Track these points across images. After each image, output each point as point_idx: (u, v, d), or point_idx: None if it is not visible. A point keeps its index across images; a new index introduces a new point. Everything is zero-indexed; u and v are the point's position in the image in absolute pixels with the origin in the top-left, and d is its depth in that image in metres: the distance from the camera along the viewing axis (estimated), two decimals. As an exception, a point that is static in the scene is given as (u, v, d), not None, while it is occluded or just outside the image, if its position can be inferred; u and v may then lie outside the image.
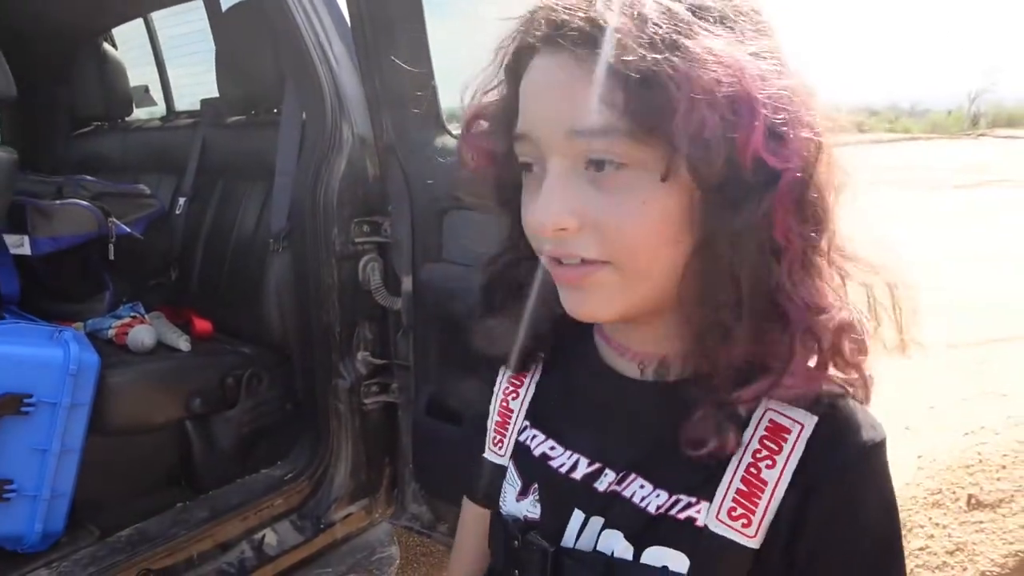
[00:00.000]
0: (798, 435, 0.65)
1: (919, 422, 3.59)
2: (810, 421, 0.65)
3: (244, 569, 1.81)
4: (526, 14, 0.65)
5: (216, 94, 2.48)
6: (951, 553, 2.25)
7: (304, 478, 1.97)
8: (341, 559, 1.97)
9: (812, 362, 0.63)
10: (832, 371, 0.66)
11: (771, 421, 0.66)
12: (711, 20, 0.60)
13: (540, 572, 0.72)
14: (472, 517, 0.93)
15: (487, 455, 0.85)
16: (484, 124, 0.73)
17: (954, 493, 2.46)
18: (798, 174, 0.60)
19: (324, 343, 1.96)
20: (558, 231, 0.63)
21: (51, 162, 2.84)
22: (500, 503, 0.80)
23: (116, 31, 3.19)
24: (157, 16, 3.09)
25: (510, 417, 0.84)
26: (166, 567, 1.71)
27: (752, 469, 0.65)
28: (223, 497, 1.88)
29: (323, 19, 1.91)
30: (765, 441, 0.65)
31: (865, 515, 0.66)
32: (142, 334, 2.00)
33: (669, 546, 0.67)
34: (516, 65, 0.67)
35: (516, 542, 0.74)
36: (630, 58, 0.57)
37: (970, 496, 2.37)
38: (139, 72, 3.16)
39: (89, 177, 2.35)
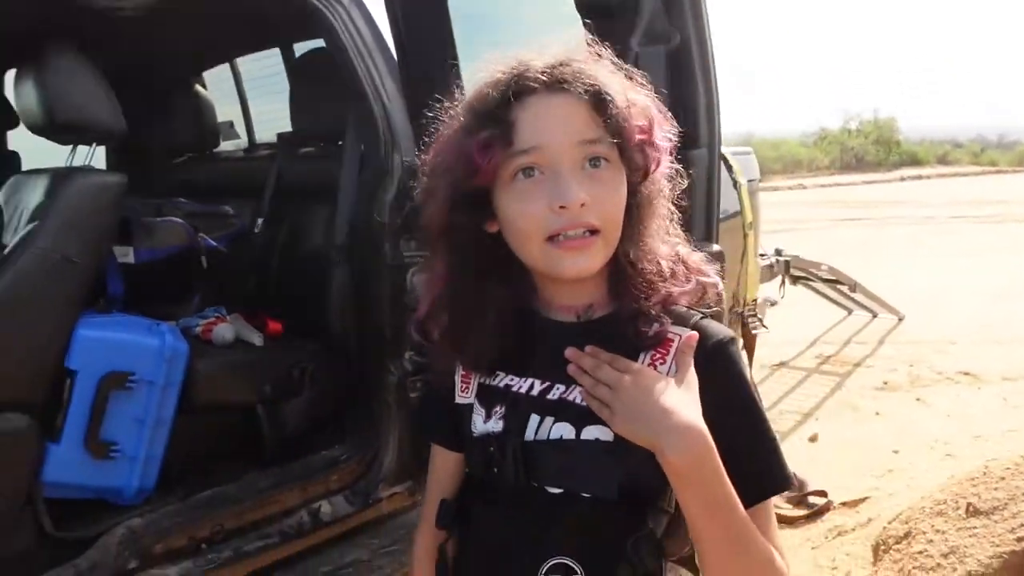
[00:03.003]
0: (677, 341, 0.98)
1: (962, 450, 3.66)
2: (685, 332, 0.98)
3: (302, 532, 2.06)
4: (518, 67, 0.95)
5: (290, 128, 2.81)
6: (945, 556, 2.40)
7: (356, 459, 2.22)
8: (387, 532, 2.19)
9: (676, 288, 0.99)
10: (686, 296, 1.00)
11: None
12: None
13: (514, 462, 0.99)
14: (441, 462, 1.15)
15: (457, 400, 1.09)
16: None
17: (956, 503, 2.60)
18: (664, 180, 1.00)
19: (376, 343, 2.22)
20: (580, 205, 0.91)
21: (151, 187, 3.14)
22: (471, 430, 1.06)
23: (205, 73, 3.52)
24: (240, 60, 3.43)
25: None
26: (237, 526, 1.98)
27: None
28: (287, 471, 2.14)
29: (377, 63, 2.22)
30: (658, 349, 0.98)
31: (734, 382, 0.98)
32: (224, 331, 2.29)
33: (599, 424, 0.96)
34: (512, 102, 0.93)
35: (492, 448, 1.01)
36: (612, 101, 0.93)
37: (968, 504, 2.51)
38: (225, 109, 3.49)
39: (183, 199, 2.67)
